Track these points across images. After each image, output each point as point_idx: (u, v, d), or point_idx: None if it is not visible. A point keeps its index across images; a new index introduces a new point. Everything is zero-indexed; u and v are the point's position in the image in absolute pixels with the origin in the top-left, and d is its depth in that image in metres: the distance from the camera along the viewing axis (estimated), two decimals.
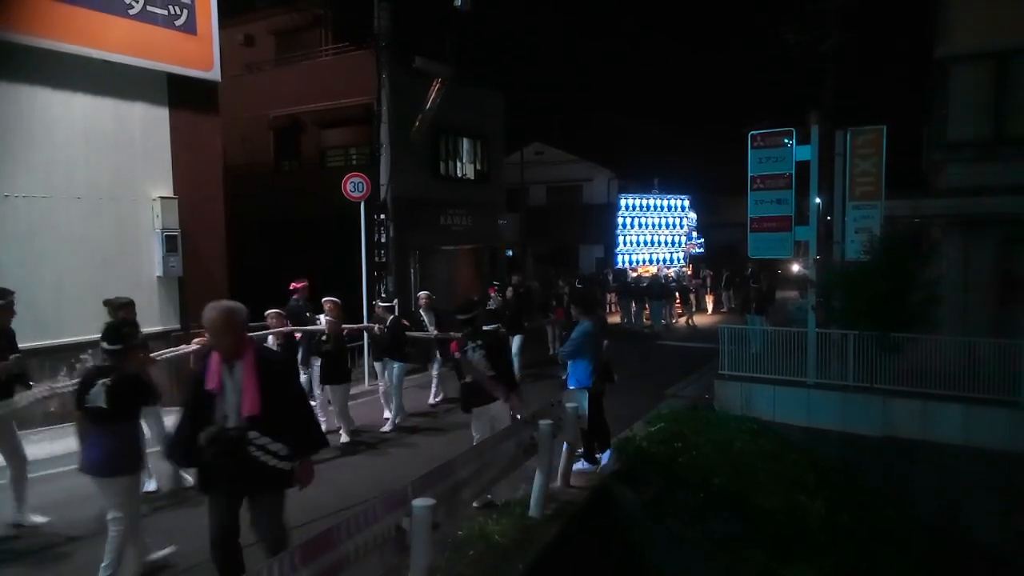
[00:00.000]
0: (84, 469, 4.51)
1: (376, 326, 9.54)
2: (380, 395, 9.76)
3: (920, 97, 13.43)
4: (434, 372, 10.90)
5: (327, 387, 8.66)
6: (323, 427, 8.61)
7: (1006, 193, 10.67)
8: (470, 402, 6.28)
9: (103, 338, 4.68)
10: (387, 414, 9.40)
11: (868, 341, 9.89)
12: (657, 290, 19.98)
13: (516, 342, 12.18)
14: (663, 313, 20.04)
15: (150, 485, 6.24)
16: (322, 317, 8.87)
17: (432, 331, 10.41)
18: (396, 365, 9.29)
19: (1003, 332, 10.13)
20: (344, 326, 8.85)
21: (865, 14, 16.80)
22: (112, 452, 4.45)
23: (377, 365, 9.87)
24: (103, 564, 4.49)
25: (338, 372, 8.58)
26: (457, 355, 6.33)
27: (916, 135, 13.70)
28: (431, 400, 10.72)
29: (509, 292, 12.94)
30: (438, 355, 10.67)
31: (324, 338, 8.56)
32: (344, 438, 8.51)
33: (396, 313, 9.94)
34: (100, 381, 4.46)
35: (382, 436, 8.96)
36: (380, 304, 9.79)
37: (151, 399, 5.08)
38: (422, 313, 10.80)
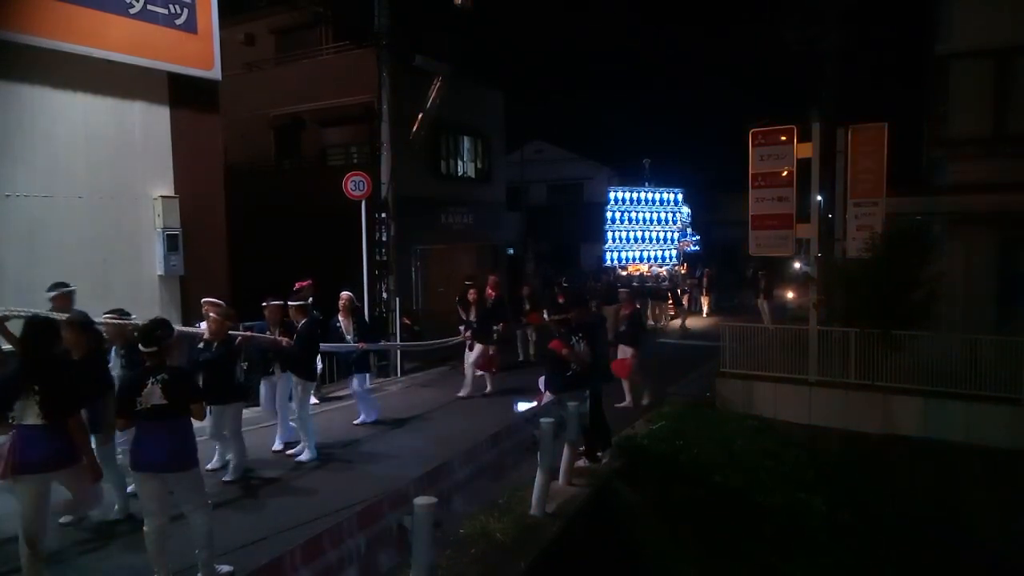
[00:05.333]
0: (149, 467, 4.62)
1: (284, 340, 7.77)
2: (276, 418, 8.16)
3: (921, 94, 13.40)
4: (355, 389, 9.43)
5: (212, 408, 6.49)
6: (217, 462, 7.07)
7: (1007, 190, 10.66)
8: (572, 385, 6.90)
9: (139, 342, 4.80)
10: (276, 442, 8.04)
11: (869, 339, 9.89)
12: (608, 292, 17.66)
13: (476, 351, 10.92)
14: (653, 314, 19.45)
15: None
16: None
17: (351, 340, 9.26)
18: (302, 381, 7.75)
19: (1004, 329, 10.12)
20: (236, 333, 7.29)
21: (865, 11, 16.77)
22: (179, 446, 4.68)
23: (264, 383, 8.29)
24: (197, 550, 4.71)
25: (225, 387, 6.70)
26: (565, 351, 6.90)
27: (917, 132, 13.66)
28: (358, 420, 9.29)
29: (472, 296, 11.32)
30: (354, 370, 9.37)
31: (202, 344, 6.90)
32: (229, 475, 6.89)
33: (312, 316, 8.15)
34: (152, 379, 4.62)
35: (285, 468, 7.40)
36: (291, 304, 7.93)
37: (199, 394, 5.15)
38: (340, 319, 9.29)
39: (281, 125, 16.61)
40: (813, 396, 10.26)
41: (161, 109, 9.38)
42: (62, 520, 5.48)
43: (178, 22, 9.26)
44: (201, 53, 9.59)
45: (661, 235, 25.83)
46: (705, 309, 22.41)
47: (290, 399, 7.94)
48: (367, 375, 9.62)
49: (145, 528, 4.66)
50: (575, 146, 31.53)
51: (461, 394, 10.90)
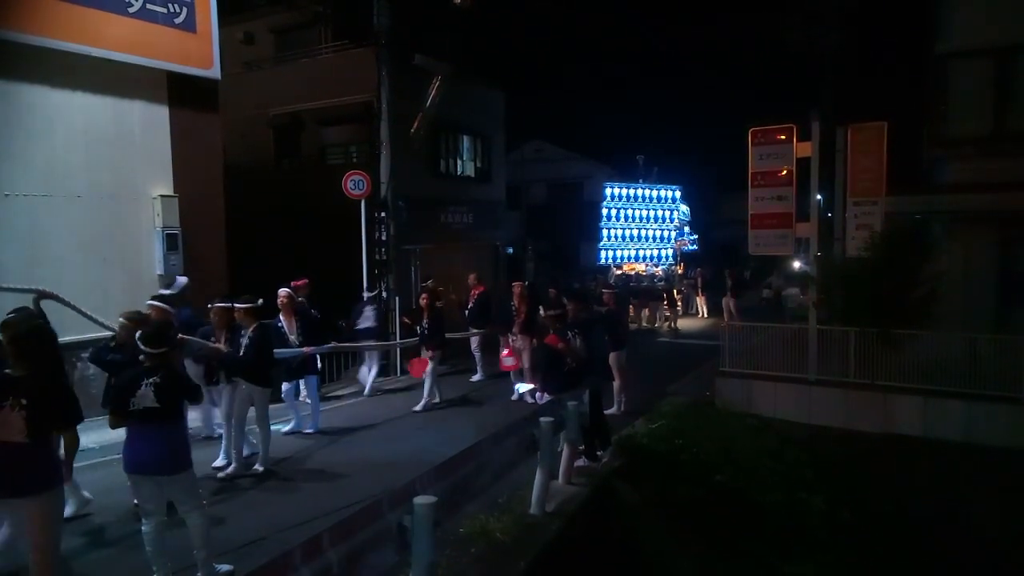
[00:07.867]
0: (141, 469, 4.60)
1: (223, 347, 7.07)
2: (227, 429, 7.29)
3: (920, 93, 13.41)
4: (302, 393, 9.04)
5: None
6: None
7: (1006, 189, 10.66)
8: (570, 383, 6.91)
9: (145, 342, 4.72)
10: (221, 460, 7.27)
11: (869, 338, 9.89)
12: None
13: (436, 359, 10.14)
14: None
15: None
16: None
17: (295, 341, 8.55)
18: (258, 390, 7.11)
19: (1004, 328, 10.13)
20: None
21: (865, 11, 16.79)
22: (171, 449, 4.64)
23: (224, 390, 7.30)
24: (195, 551, 4.70)
25: None
26: (560, 346, 6.92)
27: (916, 131, 13.68)
28: (308, 428, 8.65)
29: (423, 300, 10.38)
30: (302, 373, 8.81)
31: (112, 344, 6.20)
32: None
33: (260, 320, 7.29)
34: (145, 381, 4.57)
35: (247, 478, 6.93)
36: (238, 307, 7.14)
37: (197, 396, 5.05)
38: (281, 319, 8.59)
39: (280, 124, 16.60)
40: (813, 395, 10.26)
41: (160, 108, 9.39)
42: None
43: (177, 21, 9.26)
44: (200, 52, 9.58)
45: (658, 234, 25.63)
46: (702, 310, 22.00)
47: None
48: (314, 378, 8.99)
49: (143, 528, 4.67)
50: (575, 145, 31.56)
51: (435, 400, 10.23)
